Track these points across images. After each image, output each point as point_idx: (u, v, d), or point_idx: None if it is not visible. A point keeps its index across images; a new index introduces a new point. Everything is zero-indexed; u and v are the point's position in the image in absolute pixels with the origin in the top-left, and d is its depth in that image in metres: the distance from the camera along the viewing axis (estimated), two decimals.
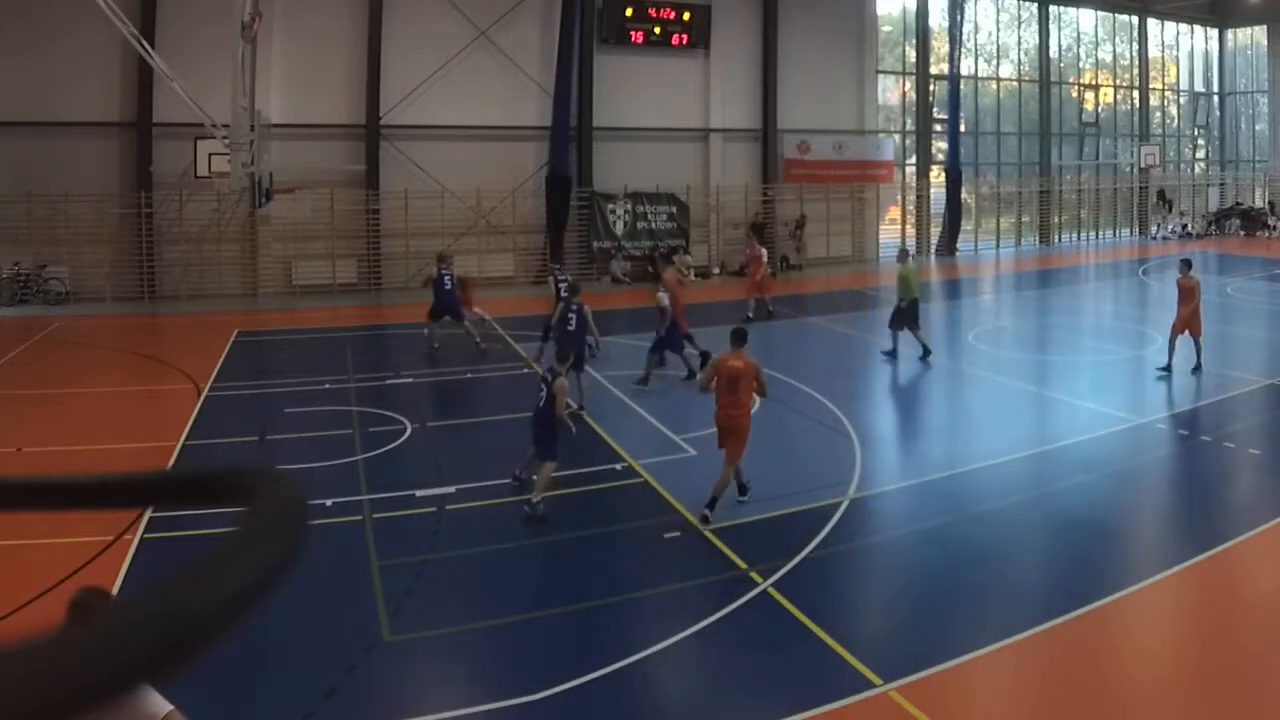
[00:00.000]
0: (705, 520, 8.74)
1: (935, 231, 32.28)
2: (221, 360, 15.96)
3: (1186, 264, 14.91)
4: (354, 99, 23.94)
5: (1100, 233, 36.99)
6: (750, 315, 18.96)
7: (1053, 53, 35.46)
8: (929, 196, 32.38)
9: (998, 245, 34.22)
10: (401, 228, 24.35)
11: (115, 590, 7.35)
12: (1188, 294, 14.55)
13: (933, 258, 31.70)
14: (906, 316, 15.58)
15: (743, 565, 7.86)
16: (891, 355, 15.76)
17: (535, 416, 9.27)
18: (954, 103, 31.30)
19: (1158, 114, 39.33)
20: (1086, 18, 36.51)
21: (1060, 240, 35.78)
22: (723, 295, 24.10)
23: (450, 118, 24.54)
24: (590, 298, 23.67)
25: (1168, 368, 14.47)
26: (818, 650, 6.56)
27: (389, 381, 14.48)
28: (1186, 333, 14.53)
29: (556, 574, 8.00)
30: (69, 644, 0.46)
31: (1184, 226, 37.09)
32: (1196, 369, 14.55)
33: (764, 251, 20.98)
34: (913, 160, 32.54)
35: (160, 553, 7.92)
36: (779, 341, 16.95)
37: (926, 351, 15.54)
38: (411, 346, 16.98)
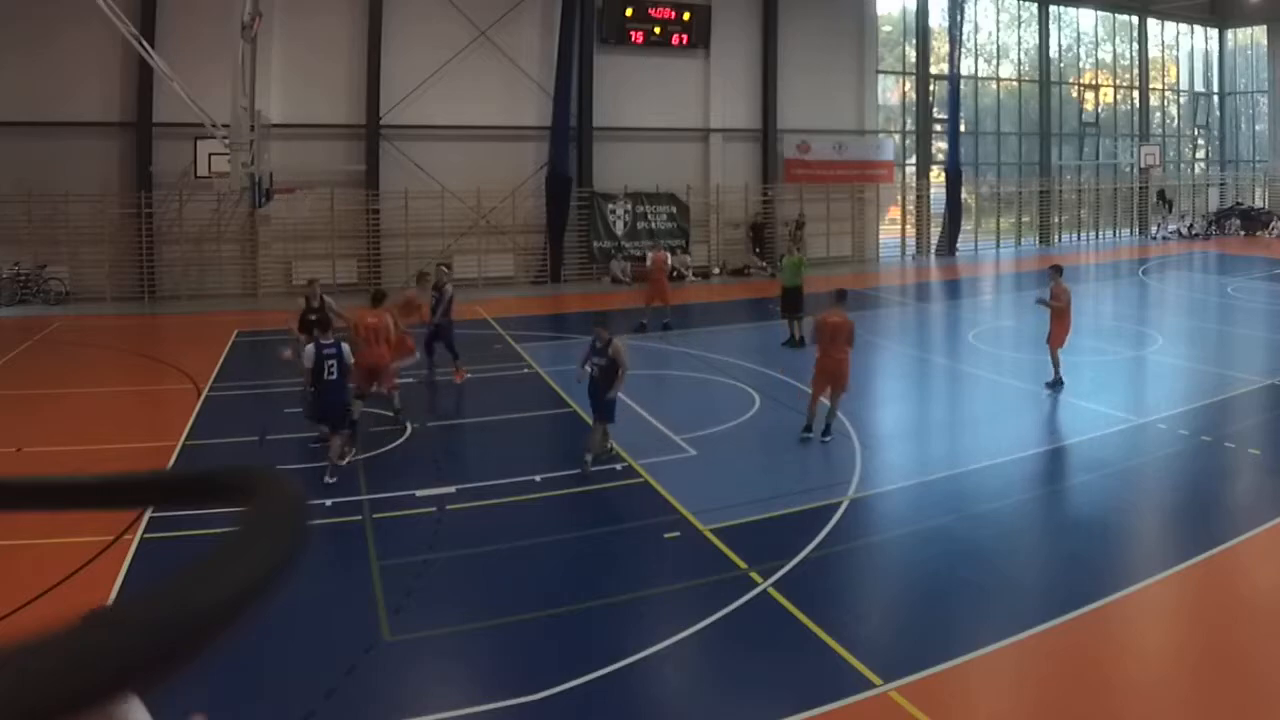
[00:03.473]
0: (827, 434, 11.11)
1: (935, 231, 32.29)
2: (221, 360, 15.96)
3: (1057, 270, 13.72)
4: (354, 99, 23.94)
5: (1100, 233, 36.99)
6: (644, 323, 18.17)
7: (1053, 53, 35.46)
8: (929, 196, 32.38)
9: (998, 245, 34.23)
10: (401, 228, 24.35)
11: (115, 590, 7.37)
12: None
13: (933, 258, 31.72)
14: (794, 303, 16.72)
15: (743, 565, 7.86)
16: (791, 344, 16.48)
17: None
18: (954, 103, 31.30)
19: (1158, 114, 39.33)
20: (1086, 18, 36.51)
21: (1060, 240, 35.78)
22: (723, 295, 24.11)
23: (450, 118, 24.55)
24: (591, 298, 23.80)
25: (1058, 382, 13.29)
26: (818, 650, 6.56)
27: None
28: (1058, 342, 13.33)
29: (556, 574, 8.00)
30: (71, 643, 0.46)
31: (1189, 226, 37.08)
32: (1056, 384, 13.26)
33: (668, 256, 20.39)
34: (913, 160, 32.54)
35: (160, 553, 7.92)
36: (778, 341, 16.93)
37: (791, 340, 16.48)
38: None
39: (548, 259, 25.84)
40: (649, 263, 19.82)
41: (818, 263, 28.74)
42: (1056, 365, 13.26)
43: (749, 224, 28.62)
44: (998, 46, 34.88)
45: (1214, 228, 37.42)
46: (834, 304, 11.54)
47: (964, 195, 32.23)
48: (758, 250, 28.19)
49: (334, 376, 10.09)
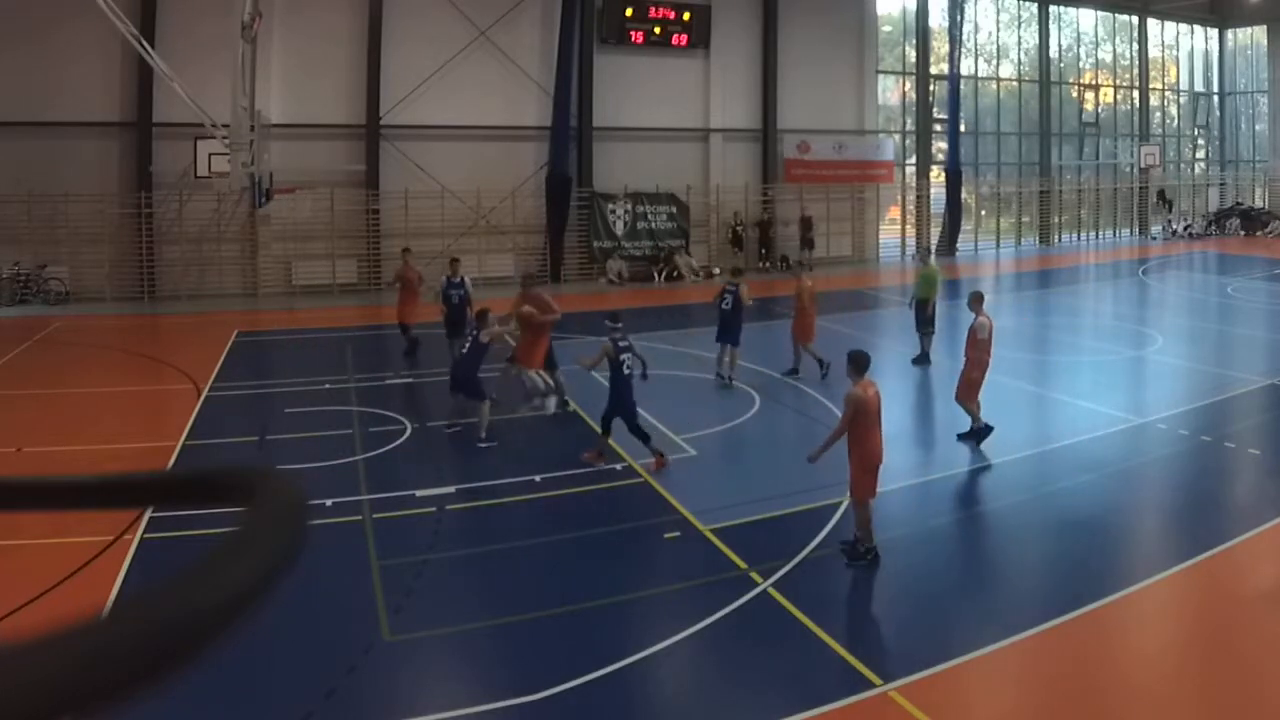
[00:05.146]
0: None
1: (935, 231, 32.29)
2: (221, 360, 15.96)
3: (979, 297, 11.64)
4: (354, 99, 23.94)
5: (1100, 233, 37.01)
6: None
7: (1053, 53, 35.46)
8: (929, 196, 32.39)
9: (998, 245, 34.24)
10: (401, 228, 24.33)
11: (115, 590, 7.37)
12: (980, 339, 11.11)
13: (933, 258, 31.67)
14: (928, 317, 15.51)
15: (743, 565, 7.86)
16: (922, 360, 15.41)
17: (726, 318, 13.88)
18: (954, 103, 31.31)
19: (1158, 114, 39.34)
20: (1086, 18, 36.52)
21: (1060, 240, 35.80)
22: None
23: (450, 118, 24.55)
24: (590, 299, 23.80)
25: (976, 432, 11.03)
26: (818, 650, 6.56)
27: (389, 381, 14.48)
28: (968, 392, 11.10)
29: (556, 574, 8.00)
30: (70, 645, 0.46)
31: (1185, 227, 37.06)
32: (973, 435, 11.05)
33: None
34: (913, 160, 32.55)
35: (160, 553, 7.92)
36: (779, 341, 16.91)
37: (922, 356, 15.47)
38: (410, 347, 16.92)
39: (548, 259, 25.83)
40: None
41: (819, 262, 28.82)
42: (976, 413, 11.10)
43: (755, 223, 28.58)
44: (998, 46, 34.89)
45: (1214, 228, 37.43)
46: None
47: (964, 195, 32.23)
48: (764, 250, 28.16)
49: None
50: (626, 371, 10.23)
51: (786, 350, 14.77)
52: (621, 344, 10.29)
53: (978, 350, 11.18)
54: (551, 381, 12.17)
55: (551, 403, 11.99)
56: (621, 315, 10.91)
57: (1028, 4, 35.04)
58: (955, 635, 6.73)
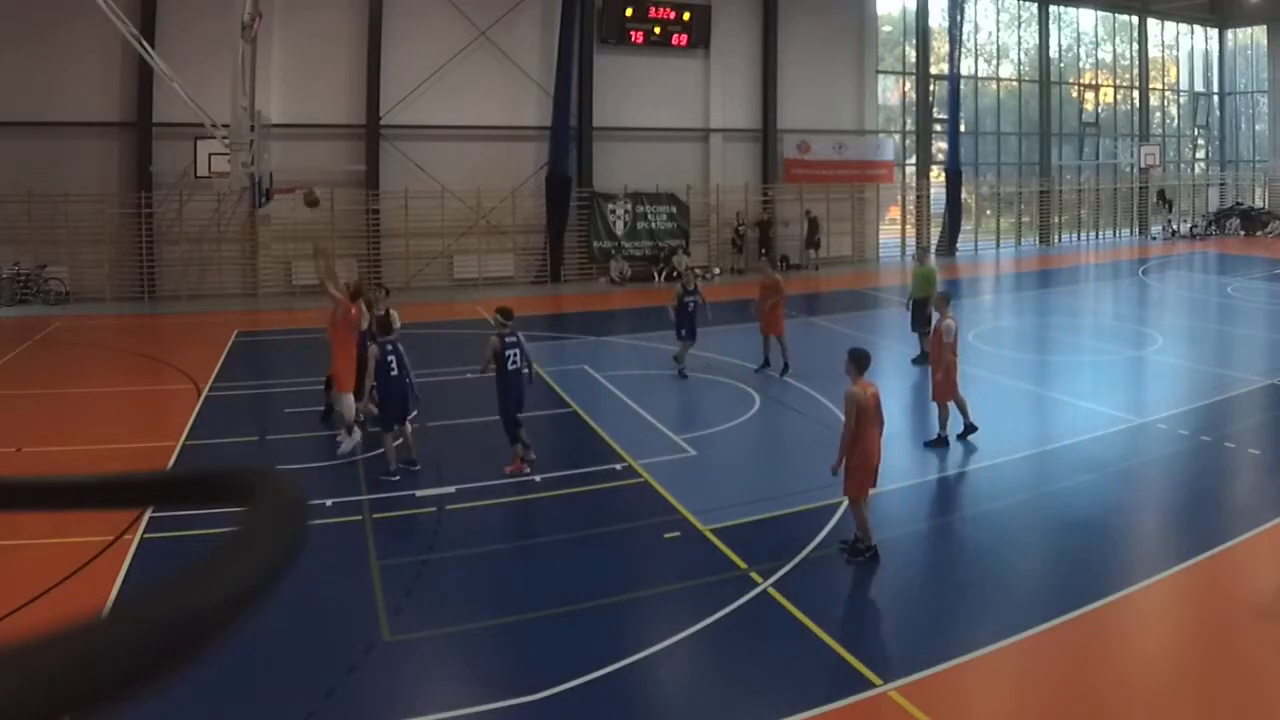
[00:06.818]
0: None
1: (935, 231, 32.29)
2: (221, 360, 15.97)
3: (945, 299, 11.78)
4: (354, 99, 23.95)
5: (1100, 233, 37.01)
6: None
7: (1053, 53, 35.47)
8: (929, 196, 32.40)
9: (998, 245, 34.24)
10: (401, 228, 24.36)
11: (115, 590, 7.37)
12: (945, 341, 11.12)
13: (933, 258, 31.69)
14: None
15: (743, 565, 7.86)
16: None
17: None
18: (954, 103, 31.31)
19: (1158, 114, 39.34)
20: (1086, 18, 36.53)
21: (1060, 240, 35.80)
22: (721, 295, 24.10)
23: (450, 118, 24.56)
24: (590, 299, 23.82)
25: (942, 439, 11.15)
26: (818, 650, 6.56)
27: None
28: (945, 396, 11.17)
29: (556, 574, 8.00)
30: (70, 645, 0.46)
31: (1191, 227, 37.04)
32: (968, 432, 11.31)
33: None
34: (913, 160, 32.55)
35: (160, 553, 7.93)
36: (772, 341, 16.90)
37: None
38: (410, 347, 16.93)
39: (548, 259, 25.85)
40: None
41: (821, 262, 28.83)
42: (964, 410, 11.30)
43: (755, 222, 28.59)
44: (998, 46, 34.89)
45: (1214, 228, 37.43)
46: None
47: (964, 195, 32.24)
48: (764, 251, 28.18)
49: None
50: (511, 366, 10.18)
51: (778, 350, 14.80)
52: (509, 339, 10.26)
53: (943, 352, 11.18)
54: (365, 414, 10.71)
55: (352, 444, 10.54)
56: (513, 311, 10.68)
57: (1028, 4, 35.04)
58: (955, 635, 6.73)
